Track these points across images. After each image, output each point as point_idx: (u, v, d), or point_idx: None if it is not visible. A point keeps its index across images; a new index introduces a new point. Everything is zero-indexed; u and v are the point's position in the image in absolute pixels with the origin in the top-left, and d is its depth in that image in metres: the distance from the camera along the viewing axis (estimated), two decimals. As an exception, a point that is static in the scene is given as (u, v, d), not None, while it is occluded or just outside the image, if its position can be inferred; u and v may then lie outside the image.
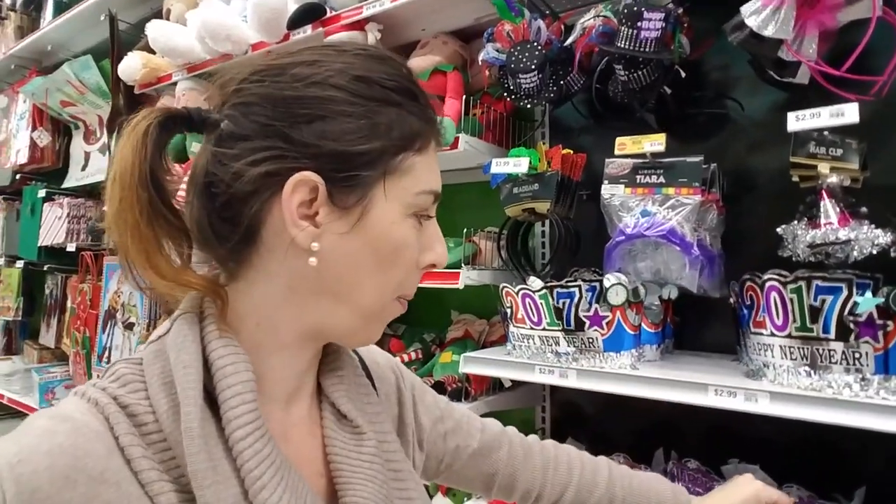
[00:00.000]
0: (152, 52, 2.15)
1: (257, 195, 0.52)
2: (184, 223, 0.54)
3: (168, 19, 2.18)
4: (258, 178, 0.51)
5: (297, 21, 1.68)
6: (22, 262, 3.10)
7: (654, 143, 1.13)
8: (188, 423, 0.47)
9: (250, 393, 0.51)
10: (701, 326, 1.37)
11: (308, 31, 1.70)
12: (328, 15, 1.67)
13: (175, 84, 2.16)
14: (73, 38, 2.78)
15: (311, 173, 0.51)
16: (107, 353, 2.55)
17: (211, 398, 0.50)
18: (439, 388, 1.44)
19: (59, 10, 2.73)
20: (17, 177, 3.24)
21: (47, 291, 3.13)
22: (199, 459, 0.46)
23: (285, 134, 0.51)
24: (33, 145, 2.99)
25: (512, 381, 1.48)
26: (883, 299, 0.89)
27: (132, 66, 2.18)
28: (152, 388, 0.49)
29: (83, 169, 2.90)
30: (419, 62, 1.61)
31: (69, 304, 2.89)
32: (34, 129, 3.00)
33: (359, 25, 1.62)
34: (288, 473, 0.51)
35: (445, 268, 1.49)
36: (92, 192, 2.81)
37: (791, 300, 0.96)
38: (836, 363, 0.93)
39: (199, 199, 0.54)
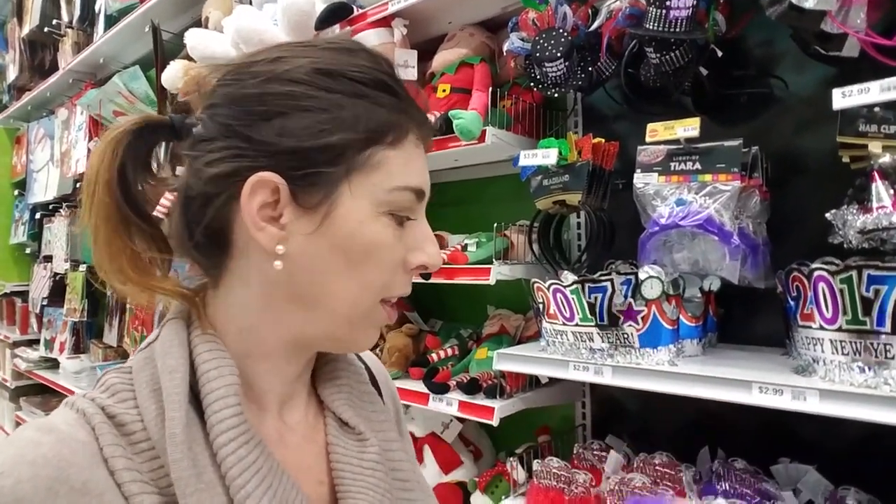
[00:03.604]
0: (193, 60, 2.21)
1: (218, 198, 0.51)
2: (158, 229, 0.54)
3: (206, 27, 2.24)
4: (217, 179, 0.50)
5: (324, 21, 1.69)
6: (84, 265, 3.29)
7: (688, 128, 1.08)
8: (171, 429, 0.46)
9: (233, 397, 0.49)
10: (747, 319, 1.30)
11: (336, 30, 1.71)
12: (355, 13, 1.67)
13: (215, 90, 2.22)
14: (122, 51, 2.91)
15: (270, 173, 0.49)
16: (162, 352, 2.66)
17: (199, 403, 0.49)
18: (474, 384, 1.42)
19: (110, 23, 2.86)
20: (78, 185, 3.43)
21: (108, 293, 3.30)
22: (182, 466, 0.45)
23: (244, 134, 0.50)
24: (91, 154, 3.15)
25: (549, 377, 1.45)
26: (946, 288, 0.82)
27: (174, 75, 2.25)
28: (141, 395, 0.49)
29: (136, 176, 3.03)
30: (446, 55, 1.59)
31: (128, 305, 3.03)
32: (91, 139, 3.16)
33: (385, 22, 1.61)
34: (278, 481, 0.49)
35: (477, 262, 1.49)
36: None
37: (841, 291, 0.89)
38: (892, 358, 0.86)
39: (178, 206, 0.54)
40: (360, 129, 0.50)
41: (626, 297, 1.15)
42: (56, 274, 3.63)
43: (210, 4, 2.26)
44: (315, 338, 0.56)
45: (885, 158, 0.90)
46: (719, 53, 1.14)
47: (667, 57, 1.13)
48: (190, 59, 2.23)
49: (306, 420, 0.59)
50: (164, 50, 2.52)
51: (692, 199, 1.08)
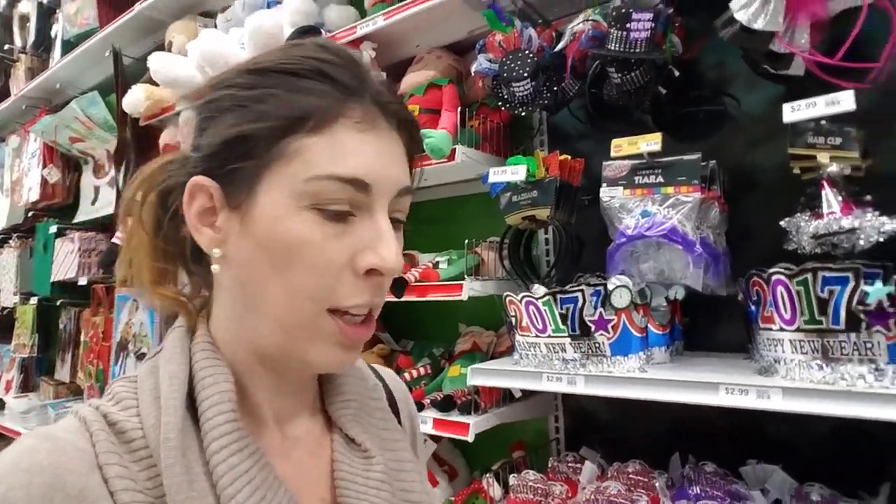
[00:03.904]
0: (156, 84, 2.19)
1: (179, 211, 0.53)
2: (174, 244, 0.56)
3: (170, 51, 2.22)
4: (173, 192, 0.53)
5: (293, 44, 1.71)
6: (36, 298, 3.14)
7: (650, 143, 1.13)
8: (165, 434, 0.46)
9: (227, 403, 0.48)
10: (711, 326, 1.35)
11: (304, 53, 1.73)
12: (323, 37, 1.70)
13: (178, 114, 2.20)
14: (80, 76, 2.85)
15: (201, 177, 0.50)
16: (120, 384, 2.56)
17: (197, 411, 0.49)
18: (448, 402, 1.42)
19: (67, 49, 2.81)
20: (30, 214, 3.30)
21: (61, 326, 3.16)
22: (174, 472, 0.44)
23: (193, 146, 0.53)
24: (44, 182, 3.05)
25: (522, 391, 1.46)
26: (893, 287, 0.87)
27: (136, 99, 2.23)
28: (143, 403, 0.49)
29: (93, 203, 2.94)
30: (414, 77, 1.63)
31: (83, 337, 2.91)
32: (44, 166, 3.06)
33: (354, 45, 1.64)
34: (273, 493, 0.47)
35: (449, 279, 1.50)
36: (103, 225, 2.85)
37: (798, 293, 0.94)
38: (847, 354, 0.90)
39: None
40: (273, 118, 0.48)
41: (596, 307, 1.18)
42: (4, 308, 3.46)
43: (174, 29, 2.26)
44: (271, 350, 0.53)
45: (833, 168, 0.97)
46: (676, 73, 1.21)
47: (628, 76, 1.19)
48: (152, 82, 2.21)
49: (312, 435, 0.58)
50: (125, 74, 2.49)
51: (656, 210, 1.13)
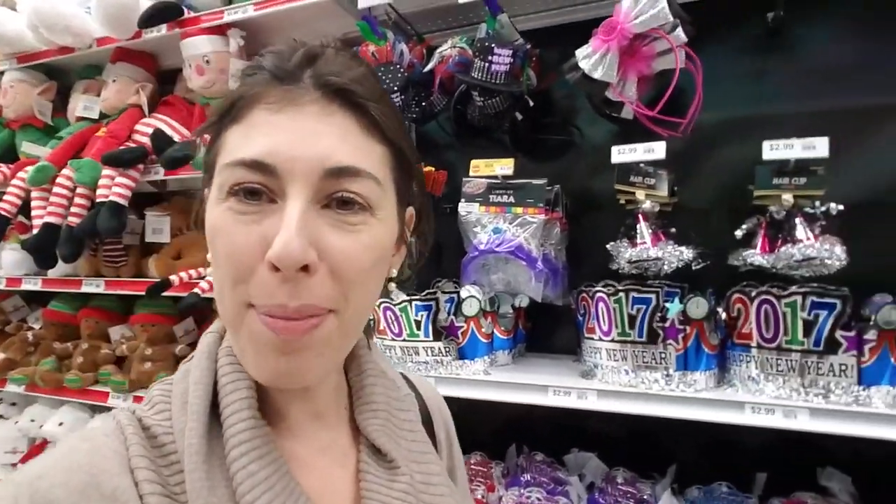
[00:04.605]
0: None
1: None
2: None
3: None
4: None
5: (149, 19, 1.59)
6: None
7: (504, 167, 1.24)
8: (189, 440, 0.46)
9: (247, 410, 0.48)
10: (550, 331, 1.51)
11: (163, 30, 1.61)
12: (187, 16, 1.60)
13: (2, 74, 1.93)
14: None
15: (206, 189, 0.51)
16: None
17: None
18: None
19: None
20: None
21: None
22: (195, 477, 0.44)
23: None
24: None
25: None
26: (684, 306, 1.06)
27: (-54, 51, 1.91)
28: (174, 407, 0.49)
29: None
30: (285, 72, 1.59)
31: None
32: None
33: (220, 30, 1.57)
34: (294, 502, 0.47)
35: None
36: None
37: (614, 309, 1.10)
38: (647, 363, 1.08)
39: None
40: (214, 115, 0.49)
41: (449, 313, 1.27)
42: None
43: (2, -24, 1.96)
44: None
45: (647, 204, 1.14)
46: (531, 103, 1.33)
47: (489, 101, 1.28)
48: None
49: (339, 444, 0.56)
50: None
51: (506, 228, 1.24)
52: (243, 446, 0.46)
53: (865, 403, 0.95)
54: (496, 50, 1.19)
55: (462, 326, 1.22)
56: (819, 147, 1.02)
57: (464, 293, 1.24)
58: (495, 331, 1.29)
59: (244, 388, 0.49)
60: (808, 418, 0.96)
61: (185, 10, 1.61)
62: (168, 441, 0.48)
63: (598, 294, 1.13)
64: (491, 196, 1.29)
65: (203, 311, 1.83)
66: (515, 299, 1.37)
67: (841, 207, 1.05)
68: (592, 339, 1.16)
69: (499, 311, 1.33)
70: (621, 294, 1.09)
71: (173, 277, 1.55)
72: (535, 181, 1.27)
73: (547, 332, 1.52)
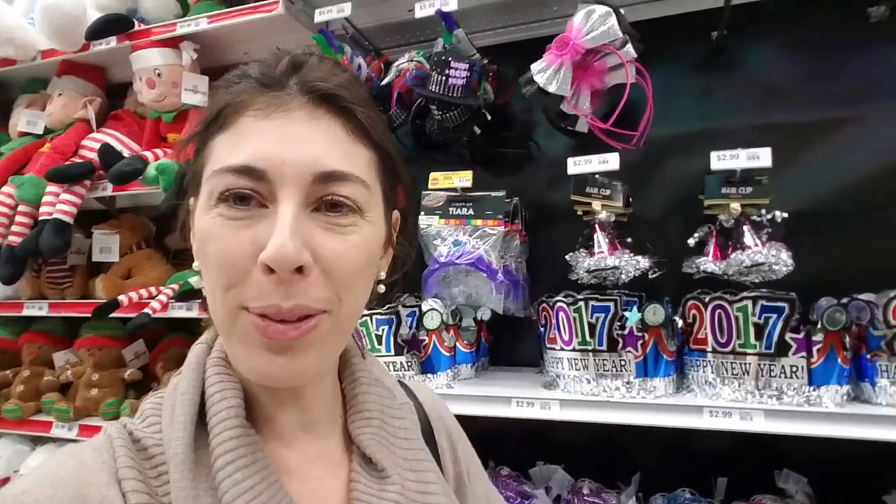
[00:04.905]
0: None
1: None
2: None
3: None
4: None
5: (97, 31, 1.54)
6: None
7: (462, 179, 1.24)
8: (174, 449, 0.46)
9: (234, 419, 0.48)
10: (512, 344, 1.51)
11: (113, 42, 1.57)
12: (137, 28, 1.56)
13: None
14: None
15: (192, 198, 0.52)
16: None
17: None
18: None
19: None
20: None
21: None
22: (179, 486, 0.45)
23: None
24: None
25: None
26: (643, 315, 1.08)
27: None
28: (164, 419, 0.49)
29: None
30: (240, 86, 1.57)
31: None
32: None
33: (173, 43, 1.54)
34: None
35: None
36: None
37: (574, 319, 1.11)
38: (608, 371, 1.09)
39: None
40: (200, 124, 0.49)
41: (411, 327, 1.26)
42: None
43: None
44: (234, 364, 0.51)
45: (602, 215, 1.16)
46: (489, 117, 1.34)
47: (447, 115, 1.29)
48: None
49: (331, 453, 0.55)
50: None
51: (466, 240, 1.24)
52: (228, 455, 0.46)
53: (816, 403, 0.98)
54: (453, 64, 1.20)
55: (424, 340, 1.21)
56: (763, 157, 1.06)
57: (425, 306, 1.23)
58: (458, 344, 1.28)
59: (231, 397, 0.49)
60: (763, 420, 0.98)
61: (136, 23, 1.57)
62: (158, 452, 0.48)
63: (559, 304, 1.13)
64: (450, 209, 1.29)
65: (155, 333, 1.76)
66: (477, 312, 1.37)
67: (785, 215, 1.09)
68: (554, 349, 1.17)
69: (461, 324, 1.33)
70: (581, 303, 1.10)
71: (122, 297, 1.48)
72: (493, 193, 1.28)
73: (509, 344, 1.52)
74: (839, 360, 0.98)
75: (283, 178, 0.45)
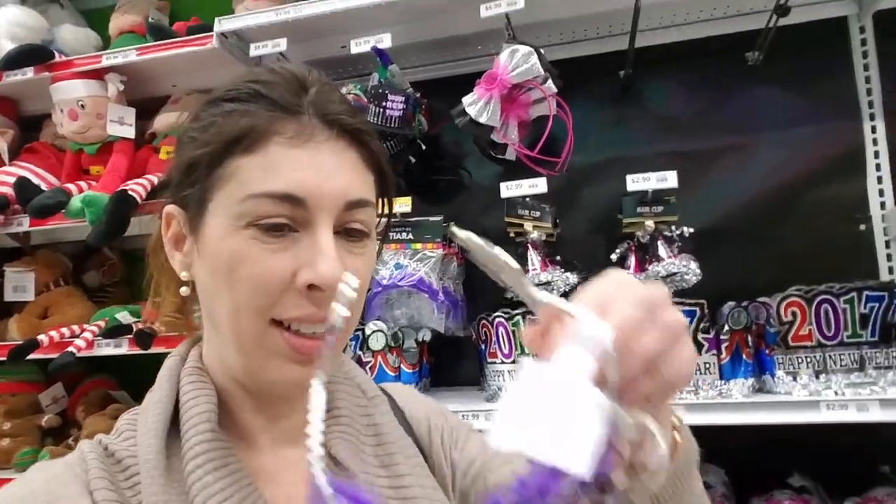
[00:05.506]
0: None
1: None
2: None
3: None
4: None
5: (12, 61, 1.48)
6: None
7: (402, 205, 1.30)
8: (145, 455, 0.47)
9: (205, 424, 0.49)
10: (453, 364, 1.56)
11: (29, 73, 1.51)
12: (58, 59, 1.52)
13: None
14: None
15: (172, 205, 0.53)
16: None
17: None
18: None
19: None
20: None
21: None
22: (151, 492, 0.46)
23: (167, 174, 0.56)
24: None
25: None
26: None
27: None
28: (139, 431, 0.50)
29: None
30: (169, 118, 1.56)
31: None
32: None
33: (97, 74, 1.50)
34: None
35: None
36: None
37: (512, 332, 1.18)
38: (546, 380, 1.17)
39: None
40: (212, 144, 0.49)
41: (355, 350, 1.28)
42: None
43: None
44: (239, 374, 0.53)
45: (534, 234, 1.26)
46: (423, 147, 1.41)
47: (385, 144, 1.35)
48: None
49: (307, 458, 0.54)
50: None
51: (407, 263, 1.29)
52: (199, 458, 0.48)
53: (727, 395, 1.10)
54: (390, 97, 1.26)
55: (370, 361, 1.23)
56: (670, 179, 1.20)
57: (369, 329, 1.26)
58: (402, 365, 1.32)
59: (204, 404, 0.51)
60: (683, 413, 1.08)
61: (57, 54, 1.52)
62: (132, 463, 0.49)
63: (497, 320, 1.20)
64: (391, 234, 1.34)
65: (76, 376, 1.66)
66: (419, 333, 1.41)
67: (692, 230, 1.23)
68: (495, 362, 1.23)
69: (403, 345, 1.36)
70: (518, 317, 1.17)
71: (42, 337, 1.40)
72: (431, 218, 1.34)
73: (449, 365, 1.57)
74: (744, 356, 1.11)
75: (320, 206, 0.48)
